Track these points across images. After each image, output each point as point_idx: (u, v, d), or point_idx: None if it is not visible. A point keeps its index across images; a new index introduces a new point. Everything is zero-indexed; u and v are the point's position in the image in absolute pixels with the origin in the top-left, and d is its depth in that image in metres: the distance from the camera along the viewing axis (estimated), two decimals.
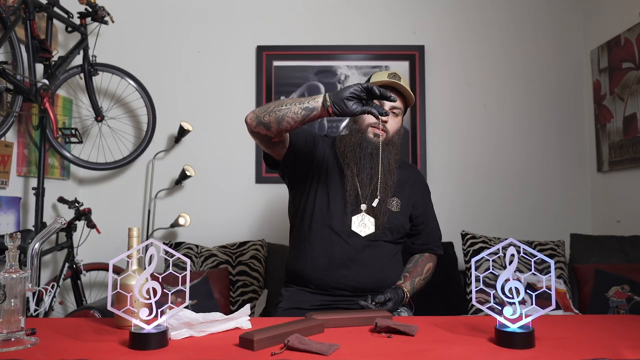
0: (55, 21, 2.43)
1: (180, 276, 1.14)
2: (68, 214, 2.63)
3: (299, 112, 1.41)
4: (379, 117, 1.37)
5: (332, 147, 1.75)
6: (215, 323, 1.20)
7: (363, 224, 1.59)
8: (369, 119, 1.63)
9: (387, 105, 1.62)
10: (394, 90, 1.62)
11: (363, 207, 1.62)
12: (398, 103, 1.65)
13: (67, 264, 2.42)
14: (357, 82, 1.35)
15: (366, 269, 1.64)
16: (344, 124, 2.96)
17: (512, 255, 1.08)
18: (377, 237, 1.65)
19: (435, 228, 1.84)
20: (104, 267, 2.70)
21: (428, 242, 1.82)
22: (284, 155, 1.64)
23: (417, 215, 1.77)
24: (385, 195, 1.65)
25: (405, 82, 1.65)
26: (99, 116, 2.63)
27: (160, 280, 1.15)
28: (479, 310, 2.13)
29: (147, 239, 2.75)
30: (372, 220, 1.59)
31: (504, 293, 1.10)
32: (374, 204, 1.60)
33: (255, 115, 1.48)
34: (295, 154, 1.65)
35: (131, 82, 2.70)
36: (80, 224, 2.56)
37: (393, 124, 1.65)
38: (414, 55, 2.97)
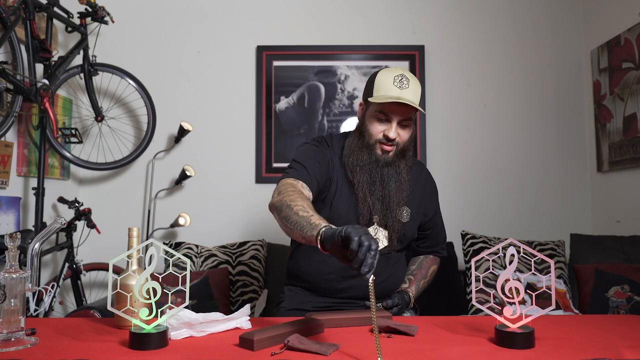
0: (55, 21, 2.43)
1: (180, 276, 1.14)
2: (68, 214, 2.63)
3: (299, 238, 1.32)
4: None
5: (340, 157, 1.65)
6: (215, 323, 1.20)
7: (376, 238, 1.54)
8: (377, 134, 1.54)
9: (396, 118, 1.52)
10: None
11: (375, 219, 1.58)
12: (407, 114, 1.53)
13: (67, 264, 2.42)
14: (356, 236, 1.10)
15: None
16: (343, 125, 2.98)
17: (512, 255, 1.09)
18: (388, 250, 1.61)
19: (441, 230, 1.82)
20: (104, 267, 2.70)
21: (434, 245, 1.80)
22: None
23: (426, 221, 1.74)
24: (397, 208, 1.59)
25: (414, 86, 1.52)
26: (99, 116, 2.63)
27: (160, 280, 1.15)
28: (479, 310, 2.13)
29: (147, 239, 2.76)
30: (385, 233, 1.56)
31: (504, 293, 1.10)
32: (388, 222, 1.55)
33: (274, 210, 1.40)
34: (319, 188, 1.59)
35: (131, 82, 2.70)
36: (80, 224, 2.56)
37: (404, 135, 1.55)
38: (414, 55, 2.97)
